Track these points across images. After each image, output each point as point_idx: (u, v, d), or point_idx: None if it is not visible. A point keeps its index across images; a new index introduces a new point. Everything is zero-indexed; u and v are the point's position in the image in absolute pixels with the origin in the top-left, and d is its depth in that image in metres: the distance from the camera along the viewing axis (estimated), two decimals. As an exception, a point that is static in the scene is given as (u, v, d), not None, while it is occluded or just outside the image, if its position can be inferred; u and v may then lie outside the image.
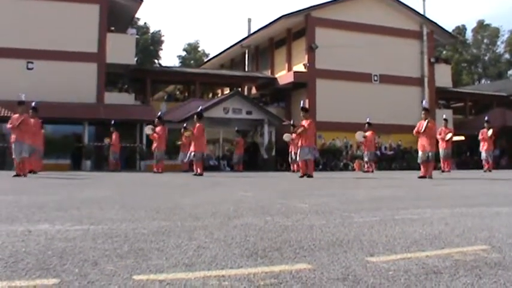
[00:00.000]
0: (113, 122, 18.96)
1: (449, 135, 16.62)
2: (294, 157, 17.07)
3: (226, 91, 31.33)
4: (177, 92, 35.53)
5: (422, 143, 12.08)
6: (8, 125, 11.87)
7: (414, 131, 12.38)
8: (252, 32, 32.23)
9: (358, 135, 18.05)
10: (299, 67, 27.38)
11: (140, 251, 2.31)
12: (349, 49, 26.34)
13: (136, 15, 33.23)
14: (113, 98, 23.98)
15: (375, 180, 10.99)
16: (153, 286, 1.74)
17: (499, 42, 54.11)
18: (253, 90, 30.81)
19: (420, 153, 12.13)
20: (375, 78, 28.01)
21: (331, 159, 25.83)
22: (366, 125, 17.85)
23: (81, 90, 22.61)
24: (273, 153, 24.41)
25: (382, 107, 26.46)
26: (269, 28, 28.47)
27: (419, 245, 2.55)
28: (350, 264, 2.09)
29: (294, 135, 16.24)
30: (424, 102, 14.22)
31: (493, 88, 37.21)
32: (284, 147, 20.17)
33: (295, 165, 17.34)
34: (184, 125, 18.86)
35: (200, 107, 16.05)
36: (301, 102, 13.94)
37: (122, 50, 23.69)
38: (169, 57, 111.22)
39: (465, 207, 4.57)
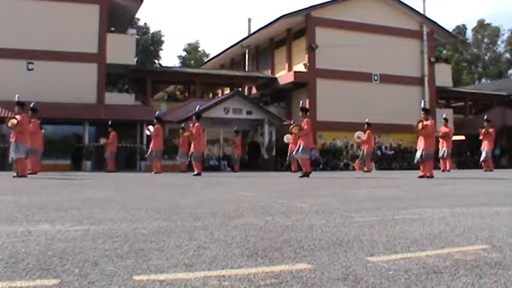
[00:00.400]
0: (110, 122, 18.94)
1: (439, 133, 16.37)
2: (291, 157, 17.25)
3: (227, 91, 31.33)
4: (178, 92, 35.57)
5: (420, 142, 12.17)
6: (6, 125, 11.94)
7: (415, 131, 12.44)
8: (252, 32, 32.24)
9: (357, 136, 18.26)
10: (299, 67, 27.39)
11: (140, 251, 2.31)
12: (350, 49, 26.35)
13: (137, 16, 33.33)
14: (113, 98, 24.01)
15: (375, 180, 10.99)
16: (154, 286, 1.74)
17: (499, 42, 54.12)
18: (254, 90, 30.81)
19: (417, 152, 12.20)
20: (375, 78, 28.01)
21: (331, 159, 25.83)
22: (365, 125, 17.89)
23: (82, 90, 22.62)
24: (273, 153, 24.40)
25: (382, 106, 26.48)
26: (269, 28, 28.48)
27: (419, 245, 2.55)
28: (350, 264, 2.09)
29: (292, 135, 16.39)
30: (422, 102, 14.24)
31: (493, 87, 37.18)
32: (284, 147, 20.17)
33: (295, 165, 17.40)
34: (182, 125, 18.92)
35: (198, 107, 16.07)
36: (301, 102, 13.95)
37: (122, 50, 23.70)
38: (169, 57, 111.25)
39: (465, 206, 4.57)
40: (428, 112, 12.54)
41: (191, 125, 15.36)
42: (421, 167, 12.17)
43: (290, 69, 28.23)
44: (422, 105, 13.26)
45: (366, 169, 18.15)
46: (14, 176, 11.21)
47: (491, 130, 16.57)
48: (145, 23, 47.28)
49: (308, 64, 26.63)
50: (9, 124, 11.60)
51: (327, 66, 26.50)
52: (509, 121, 28.04)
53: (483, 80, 53.76)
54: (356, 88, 27.04)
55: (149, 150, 17.14)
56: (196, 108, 15.66)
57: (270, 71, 30.40)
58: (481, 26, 53.41)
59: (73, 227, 3.09)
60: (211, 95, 36.47)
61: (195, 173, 14.04)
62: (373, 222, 3.43)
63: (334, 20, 27.09)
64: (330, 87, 26.55)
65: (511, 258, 2.22)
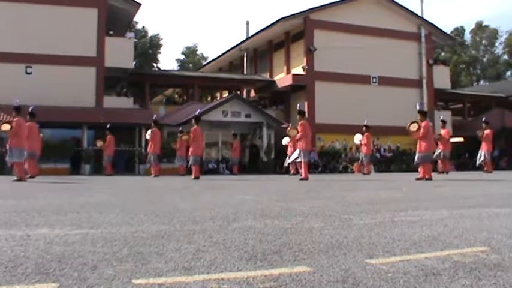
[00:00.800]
0: (108, 125, 18.92)
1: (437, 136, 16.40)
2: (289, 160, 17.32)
3: (225, 94, 31.34)
4: (176, 96, 35.53)
5: (418, 144, 12.21)
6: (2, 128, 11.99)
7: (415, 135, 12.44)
8: (250, 34, 32.24)
9: (357, 138, 18.33)
10: (298, 70, 27.42)
11: (139, 255, 2.31)
12: (348, 51, 26.40)
13: (135, 19, 33.33)
14: (112, 101, 23.99)
15: (373, 183, 10.99)
16: (153, 290, 1.74)
17: (497, 44, 54.21)
18: (252, 93, 30.83)
19: (416, 154, 12.24)
20: (374, 80, 28.04)
21: (330, 162, 25.83)
22: (364, 127, 17.92)
23: (80, 94, 22.62)
24: (272, 156, 24.41)
25: (381, 108, 26.51)
26: (268, 31, 28.51)
27: (418, 247, 2.56)
28: (349, 266, 2.09)
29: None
30: (418, 105, 14.19)
31: (492, 89, 37.24)
32: (283, 150, 20.19)
33: (294, 167, 17.43)
34: (180, 129, 18.93)
35: (198, 110, 16.10)
36: (298, 105, 13.96)
37: (120, 53, 23.69)
38: (167, 60, 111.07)
39: (464, 208, 4.57)
40: (424, 114, 12.55)
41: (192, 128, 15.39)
42: (420, 169, 12.23)
43: (288, 72, 28.25)
44: (418, 107, 13.27)
45: (365, 171, 18.18)
46: (14, 180, 11.25)
47: (487, 132, 16.55)
48: (143, 27, 47.41)
49: (306, 67, 26.67)
50: (2, 128, 11.67)
51: (325, 68, 26.53)
52: (508, 123, 28.07)
53: (481, 82, 53.85)
54: (354, 90, 27.06)
55: (148, 155, 17.15)
56: (197, 112, 15.67)
57: (268, 73, 30.42)
58: (479, 27, 53.52)
59: (72, 230, 3.09)
60: (209, 98, 36.48)
61: (194, 176, 14.06)
62: (372, 224, 3.43)
63: (333, 23, 27.13)
64: (329, 89, 26.57)
65: (510, 260, 2.23)
